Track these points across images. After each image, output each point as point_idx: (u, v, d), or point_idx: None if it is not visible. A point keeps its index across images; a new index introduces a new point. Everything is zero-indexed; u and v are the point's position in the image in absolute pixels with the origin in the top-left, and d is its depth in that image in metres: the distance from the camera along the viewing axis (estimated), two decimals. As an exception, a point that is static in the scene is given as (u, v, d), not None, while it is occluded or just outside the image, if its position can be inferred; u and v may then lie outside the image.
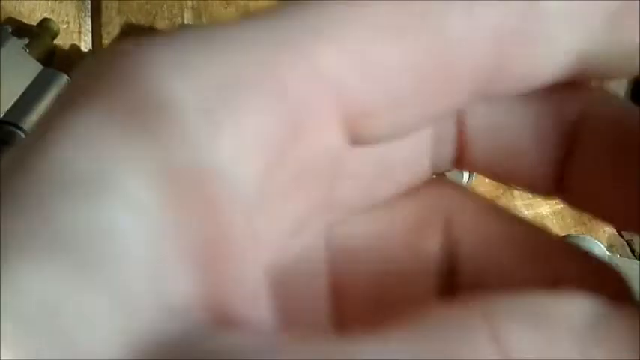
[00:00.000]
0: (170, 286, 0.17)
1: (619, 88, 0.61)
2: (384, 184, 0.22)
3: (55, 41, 0.76)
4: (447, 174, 0.63)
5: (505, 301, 0.17)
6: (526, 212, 0.63)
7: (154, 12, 0.81)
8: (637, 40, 0.19)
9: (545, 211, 0.63)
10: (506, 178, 0.23)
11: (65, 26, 0.79)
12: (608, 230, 0.62)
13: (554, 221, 0.62)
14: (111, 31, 0.79)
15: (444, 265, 0.23)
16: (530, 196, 0.64)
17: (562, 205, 0.64)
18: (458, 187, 0.23)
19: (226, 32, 0.18)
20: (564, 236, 0.56)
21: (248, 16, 0.18)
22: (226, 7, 0.81)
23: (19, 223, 0.16)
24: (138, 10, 0.81)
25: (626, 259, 0.58)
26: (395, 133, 0.20)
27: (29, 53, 0.70)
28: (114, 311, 0.16)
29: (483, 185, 0.65)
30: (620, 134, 0.21)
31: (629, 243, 0.61)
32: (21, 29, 0.73)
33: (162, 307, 0.17)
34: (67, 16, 0.80)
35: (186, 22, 0.80)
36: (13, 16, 0.79)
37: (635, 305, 0.19)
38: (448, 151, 0.22)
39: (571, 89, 0.21)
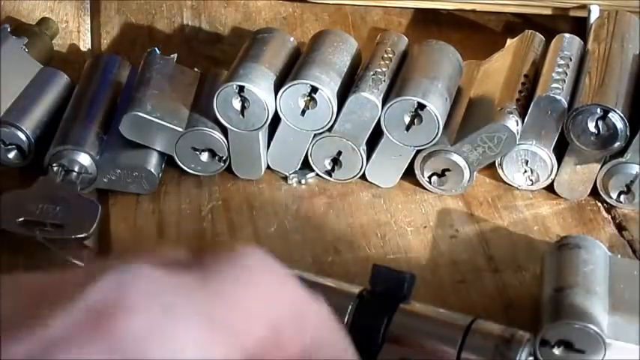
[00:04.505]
0: None
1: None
2: None
3: (54, 40, 0.76)
4: (450, 175, 0.63)
5: None
6: (527, 212, 0.63)
7: (153, 11, 0.81)
8: None
9: (545, 211, 0.63)
10: None
11: (64, 25, 0.79)
12: (609, 230, 0.62)
13: (554, 221, 0.62)
14: (110, 30, 0.79)
15: None
16: (531, 195, 0.64)
17: (563, 205, 0.64)
18: None
19: None
20: (565, 236, 0.55)
21: None
22: (226, 7, 0.81)
23: None
24: (137, 10, 0.81)
25: (627, 259, 0.58)
26: None
27: (28, 52, 0.70)
28: None
29: (483, 185, 0.65)
30: None
31: (630, 243, 0.60)
32: (20, 28, 0.73)
33: None
34: (66, 15, 0.80)
35: (185, 21, 0.80)
36: (12, 15, 0.79)
37: None
38: None
39: None
